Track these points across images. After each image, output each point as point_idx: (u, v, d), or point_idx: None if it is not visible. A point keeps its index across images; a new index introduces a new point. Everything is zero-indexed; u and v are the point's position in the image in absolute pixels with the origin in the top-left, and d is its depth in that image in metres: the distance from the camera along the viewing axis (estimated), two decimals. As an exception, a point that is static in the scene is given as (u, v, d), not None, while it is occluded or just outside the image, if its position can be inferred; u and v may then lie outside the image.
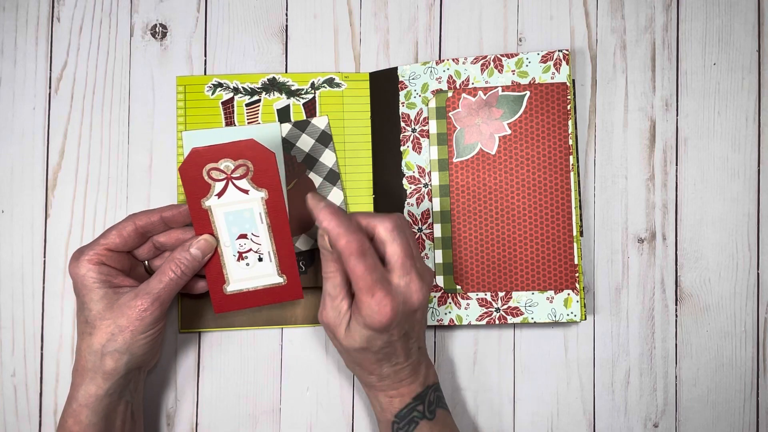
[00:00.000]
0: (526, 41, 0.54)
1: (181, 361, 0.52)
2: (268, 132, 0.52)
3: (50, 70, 0.52)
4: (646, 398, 0.53)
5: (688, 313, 0.53)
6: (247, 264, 0.47)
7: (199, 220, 0.46)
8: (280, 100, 0.52)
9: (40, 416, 0.51)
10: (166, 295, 0.44)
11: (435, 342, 0.53)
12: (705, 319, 0.53)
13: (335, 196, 0.52)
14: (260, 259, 0.47)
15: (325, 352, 0.53)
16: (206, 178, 0.44)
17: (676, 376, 0.53)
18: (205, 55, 0.53)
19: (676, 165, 0.53)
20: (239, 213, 0.46)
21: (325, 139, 0.52)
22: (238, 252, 0.47)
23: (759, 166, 0.53)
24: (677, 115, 0.54)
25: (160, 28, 0.53)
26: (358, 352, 0.44)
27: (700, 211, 0.53)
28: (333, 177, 0.52)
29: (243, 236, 0.46)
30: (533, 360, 0.53)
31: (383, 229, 0.43)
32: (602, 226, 0.53)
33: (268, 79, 0.52)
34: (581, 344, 0.53)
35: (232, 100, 0.52)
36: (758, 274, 0.53)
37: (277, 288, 0.48)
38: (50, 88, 0.52)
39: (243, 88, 0.52)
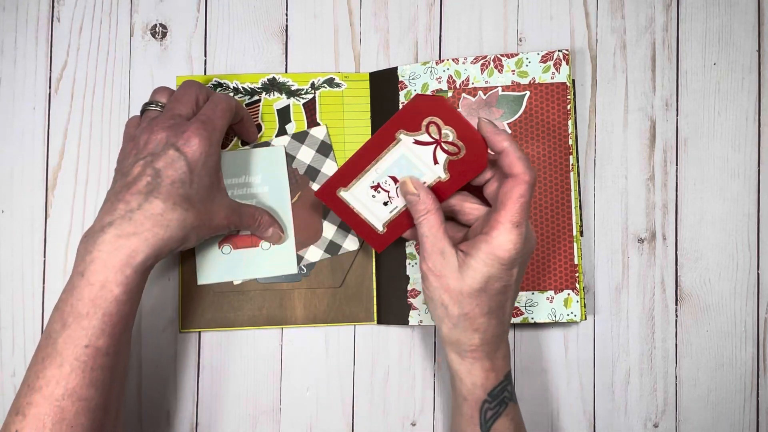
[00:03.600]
0: (526, 41, 0.54)
1: (181, 361, 0.52)
2: (274, 156, 0.52)
3: (50, 70, 0.52)
4: (646, 398, 0.53)
5: (688, 313, 0.53)
6: (373, 196, 0.46)
7: (380, 138, 0.44)
8: (280, 100, 0.52)
9: (40, 416, 0.51)
10: (240, 226, 0.48)
11: (435, 342, 0.53)
12: (705, 319, 0.53)
13: (329, 167, 0.52)
14: (385, 204, 0.46)
15: (325, 352, 0.53)
16: (423, 124, 0.43)
17: (676, 376, 0.53)
18: (205, 55, 0.53)
19: (676, 165, 0.53)
20: (413, 166, 0.44)
21: (325, 149, 0.52)
22: (377, 183, 0.46)
23: (759, 166, 0.53)
24: (677, 115, 0.54)
25: (160, 28, 0.53)
26: (471, 297, 0.42)
27: (700, 211, 0.53)
28: (325, 149, 0.52)
29: (395, 179, 0.45)
30: (533, 360, 0.53)
31: (522, 164, 0.41)
32: (602, 226, 0.53)
33: (268, 79, 0.52)
34: (581, 344, 0.53)
35: None
36: (758, 274, 0.53)
37: (372, 230, 0.47)
38: (50, 88, 0.52)
39: (243, 88, 0.52)
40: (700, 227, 0.53)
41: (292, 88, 0.52)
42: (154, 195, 0.41)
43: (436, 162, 0.44)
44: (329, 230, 0.52)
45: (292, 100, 0.52)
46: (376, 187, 0.46)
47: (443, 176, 0.44)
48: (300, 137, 0.52)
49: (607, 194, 0.53)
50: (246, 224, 0.49)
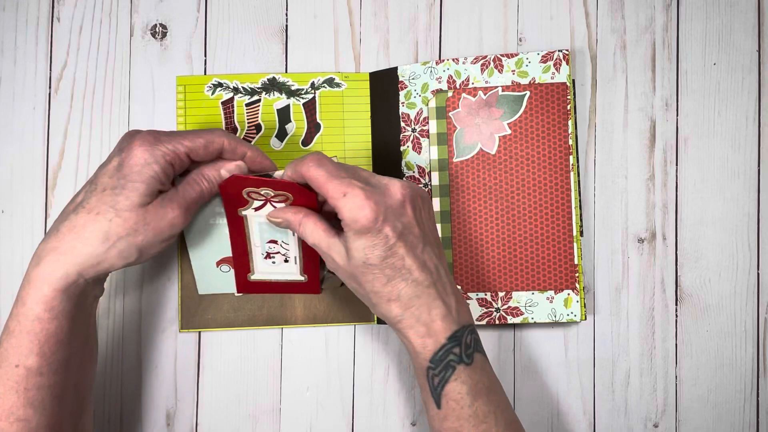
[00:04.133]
0: (526, 41, 0.54)
1: (181, 361, 0.52)
2: None
3: (50, 70, 0.52)
4: (646, 398, 0.53)
5: (688, 313, 0.53)
6: (273, 262, 0.49)
7: (234, 224, 0.47)
8: (280, 100, 0.52)
9: (40, 416, 0.51)
10: (194, 206, 0.44)
11: (435, 342, 0.53)
12: (705, 319, 0.53)
13: None
14: (286, 261, 0.49)
15: (325, 352, 0.53)
16: (245, 196, 0.45)
17: (676, 376, 0.53)
18: (205, 55, 0.53)
19: (676, 165, 0.53)
20: (274, 229, 0.48)
21: None
22: (267, 252, 0.49)
23: (759, 166, 0.53)
24: (677, 115, 0.54)
25: (160, 28, 0.53)
26: (365, 273, 0.41)
27: (700, 211, 0.53)
28: None
29: (273, 242, 0.48)
30: (533, 360, 0.53)
31: (317, 185, 0.42)
32: (602, 226, 0.53)
33: (268, 79, 0.52)
34: (581, 344, 0.53)
35: (232, 100, 0.52)
36: (758, 274, 0.53)
37: (298, 283, 0.50)
38: (50, 88, 0.52)
39: (243, 88, 0.52)
40: (700, 227, 0.53)
41: (292, 88, 0.52)
42: (82, 206, 0.40)
43: None
44: None
45: (292, 100, 0.52)
46: (268, 256, 0.49)
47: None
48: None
49: (607, 194, 0.53)
50: (198, 200, 0.44)
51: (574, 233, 0.50)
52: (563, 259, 0.50)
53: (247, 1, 0.53)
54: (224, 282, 0.51)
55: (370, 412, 0.52)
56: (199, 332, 0.52)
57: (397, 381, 0.53)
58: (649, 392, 0.53)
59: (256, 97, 0.52)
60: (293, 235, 0.48)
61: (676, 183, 0.53)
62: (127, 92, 0.53)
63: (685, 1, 0.54)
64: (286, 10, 0.54)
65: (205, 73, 0.53)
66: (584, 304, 0.51)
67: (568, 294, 0.51)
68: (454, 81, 0.52)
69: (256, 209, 0.46)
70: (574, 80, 0.53)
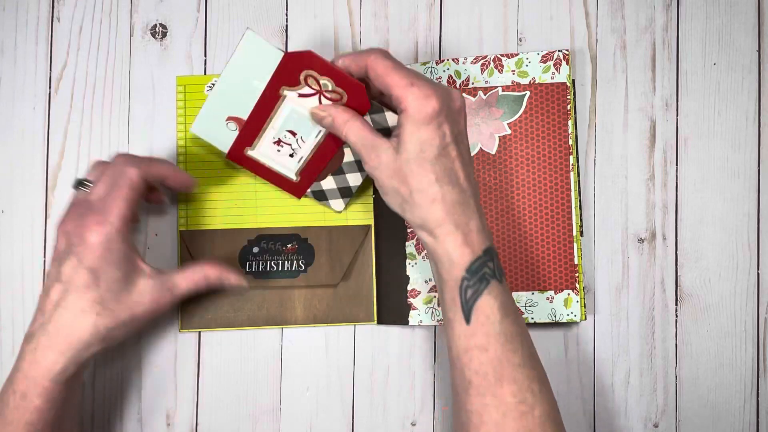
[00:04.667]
0: (526, 41, 0.54)
1: (181, 361, 0.52)
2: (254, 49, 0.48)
3: (50, 70, 0.52)
4: (646, 398, 0.53)
5: (688, 313, 0.53)
6: (278, 150, 0.49)
7: (269, 95, 0.45)
8: None
9: (40, 416, 0.51)
10: (185, 298, 0.46)
11: (435, 342, 0.53)
12: (705, 319, 0.53)
13: (355, 178, 0.50)
14: (291, 155, 0.49)
15: (325, 352, 0.53)
16: (301, 78, 0.44)
17: (676, 376, 0.53)
18: (205, 55, 0.53)
19: (676, 165, 0.53)
20: (305, 118, 0.46)
21: (359, 164, 0.50)
22: (279, 139, 0.48)
23: (759, 166, 0.53)
24: (677, 115, 0.54)
25: (160, 28, 0.53)
26: (414, 169, 0.41)
27: (700, 211, 0.53)
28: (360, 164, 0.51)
29: (292, 133, 0.48)
30: (533, 360, 0.53)
31: (363, 53, 0.42)
32: (602, 226, 0.53)
33: None
34: (581, 344, 0.53)
35: None
36: (758, 274, 0.53)
37: (286, 180, 0.50)
38: (50, 88, 0.52)
39: None
40: (700, 227, 0.53)
41: None
42: (62, 306, 0.41)
43: None
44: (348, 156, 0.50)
45: None
46: (278, 143, 0.48)
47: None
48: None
49: (607, 194, 0.53)
50: (186, 293, 0.45)
51: (574, 233, 0.50)
52: (563, 260, 0.50)
53: (247, 1, 0.53)
54: (221, 138, 0.48)
55: (370, 412, 0.52)
56: (199, 332, 0.52)
57: (397, 381, 0.53)
58: (649, 392, 0.53)
59: None
60: (316, 136, 0.47)
61: (676, 183, 0.53)
62: (127, 92, 0.53)
63: (685, 1, 0.54)
64: (286, 10, 0.54)
65: (205, 73, 0.53)
66: (584, 304, 0.51)
67: (568, 294, 0.51)
68: (454, 81, 0.52)
69: (301, 95, 0.45)
70: (574, 80, 0.53)
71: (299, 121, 0.47)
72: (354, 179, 0.51)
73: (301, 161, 0.49)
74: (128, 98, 0.53)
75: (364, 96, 0.44)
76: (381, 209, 0.52)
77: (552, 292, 0.51)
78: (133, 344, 0.52)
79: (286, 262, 0.52)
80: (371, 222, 0.53)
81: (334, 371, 0.53)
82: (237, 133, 0.47)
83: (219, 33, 0.53)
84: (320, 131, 0.47)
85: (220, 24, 0.53)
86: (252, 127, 0.47)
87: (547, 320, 0.50)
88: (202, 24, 0.53)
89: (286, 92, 0.45)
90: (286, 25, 0.53)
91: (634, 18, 0.54)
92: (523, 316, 0.51)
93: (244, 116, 0.47)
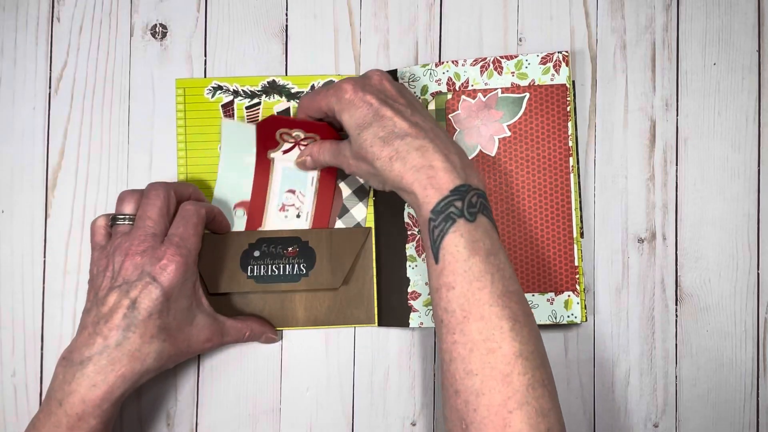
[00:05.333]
0: (526, 41, 0.54)
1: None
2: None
3: (50, 70, 0.52)
4: (646, 398, 0.53)
5: (688, 313, 0.53)
6: (285, 217, 0.52)
7: (261, 166, 0.51)
8: (280, 103, 0.52)
9: (40, 416, 0.51)
10: (230, 342, 0.49)
11: (435, 342, 0.53)
12: (705, 319, 0.53)
13: (359, 210, 0.53)
14: (298, 216, 0.52)
15: (325, 352, 0.53)
16: (278, 138, 0.50)
17: (676, 376, 0.53)
18: (205, 55, 0.53)
19: (676, 165, 0.53)
20: (296, 171, 0.52)
21: (362, 193, 0.53)
22: (283, 203, 0.52)
23: (759, 166, 0.53)
24: (677, 115, 0.54)
25: (160, 28, 0.53)
26: (364, 142, 0.43)
27: (700, 211, 0.53)
28: (362, 193, 0.53)
29: (291, 191, 0.52)
30: (533, 360, 0.53)
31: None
32: (602, 226, 0.53)
33: (268, 82, 0.52)
34: (581, 344, 0.53)
35: (232, 103, 0.52)
36: (758, 274, 0.53)
37: None
38: (50, 88, 0.52)
39: (243, 91, 0.52)
40: (700, 227, 0.53)
41: (292, 91, 0.52)
42: (132, 330, 0.42)
43: None
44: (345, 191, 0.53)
45: (292, 103, 0.52)
46: (283, 208, 0.52)
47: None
48: (340, 174, 0.52)
49: (607, 194, 0.53)
50: (231, 341, 0.48)
51: (575, 235, 0.50)
52: (563, 261, 0.50)
53: (247, 1, 0.53)
54: (235, 227, 0.52)
55: (370, 412, 0.52)
56: (199, 332, 0.52)
57: (397, 381, 0.53)
58: (649, 392, 0.53)
59: (256, 100, 0.52)
60: (311, 185, 0.52)
61: (676, 183, 0.53)
62: (127, 92, 0.53)
63: (685, 1, 0.54)
64: (286, 10, 0.54)
65: (205, 73, 0.53)
66: (585, 305, 0.51)
67: (569, 295, 0.51)
68: (453, 83, 0.51)
69: (285, 152, 0.51)
70: (574, 82, 0.53)
71: (293, 177, 0.52)
72: (359, 212, 0.52)
73: (308, 217, 0.52)
74: (128, 98, 0.53)
75: (332, 131, 0.49)
76: (381, 212, 0.52)
77: (552, 294, 0.51)
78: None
79: (287, 266, 0.51)
80: (372, 225, 0.53)
81: (334, 371, 0.53)
82: (246, 217, 0.52)
83: (219, 33, 0.53)
84: (313, 178, 0.52)
85: (220, 24, 0.53)
86: (257, 204, 0.52)
87: (548, 322, 0.50)
88: (202, 24, 0.53)
89: (272, 155, 0.51)
90: (286, 25, 0.53)
91: (634, 18, 0.54)
92: None
93: (248, 196, 0.52)
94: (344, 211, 0.52)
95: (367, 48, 0.53)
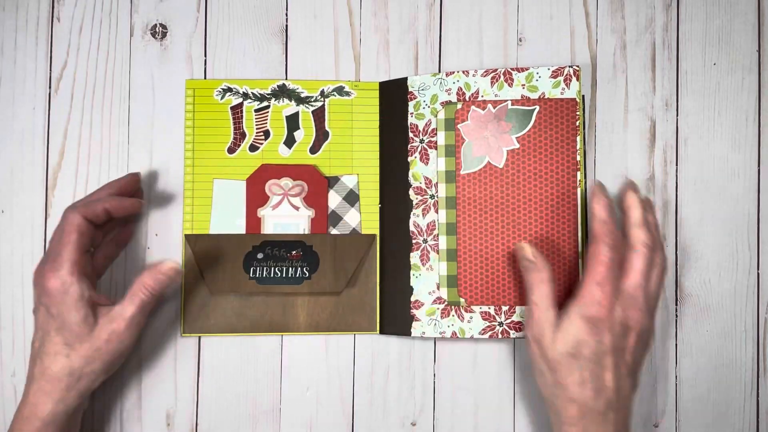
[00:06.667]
0: (526, 41, 0.54)
1: (181, 361, 0.52)
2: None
3: (50, 70, 0.52)
4: (646, 398, 0.53)
5: (688, 313, 0.53)
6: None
7: (250, 226, 0.52)
8: (289, 107, 0.52)
9: (40, 416, 0.51)
10: (140, 316, 0.46)
11: (435, 342, 0.53)
12: (705, 319, 0.53)
13: (352, 216, 0.52)
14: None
15: (326, 352, 0.53)
16: (267, 191, 0.51)
17: (676, 376, 0.53)
18: (205, 55, 0.53)
19: (676, 165, 0.53)
20: (286, 225, 0.52)
21: (352, 198, 0.52)
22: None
23: (759, 166, 0.53)
24: (677, 115, 0.54)
25: (160, 28, 0.53)
26: (563, 363, 0.43)
27: (700, 211, 0.53)
28: (352, 198, 0.52)
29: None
30: (533, 360, 0.53)
31: (642, 236, 0.45)
32: (602, 226, 0.53)
33: (277, 86, 0.52)
34: (581, 344, 0.53)
35: (241, 105, 0.52)
36: (758, 274, 0.53)
37: None
38: (50, 88, 0.52)
39: (252, 93, 0.52)
40: (700, 227, 0.53)
41: (302, 96, 0.53)
42: (43, 351, 0.44)
43: (297, 208, 0.52)
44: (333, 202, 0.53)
45: (301, 107, 0.52)
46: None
47: (311, 214, 0.52)
48: (330, 182, 0.52)
49: (607, 194, 0.53)
50: (137, 313, 0.45)
51: (579, 249, 0.50)
52: (567, 275, 0.50)
53: (247, 1, 0.53)
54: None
55: (370, 412, 0.52)
56: (200, 336, 0.52)
57: (397, 381, 0.53)
58: (649, 392, 0.53)
59: (265, 104, 0.52)
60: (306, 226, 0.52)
61: (676, 183, 0.53)
62: (127, 92, 0.53)
63: (685, 1, 0.54)
64: (286, 10, 0.54)
65: (205, 74, 0.53)
66: None
67: None
68: (463, 93, 0.51)
69: (274, 207, 0.52)
70: (584, 96, 0.53)
71: (283, 230, 0.52)
72: (353, 218, 0.52)
73: (306, 230, 0.52)
74: (128, 98, 0.53)
75: (317, 174, 0.51)
76: (386, 219, 0.52)
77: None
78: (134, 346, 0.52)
79: (290, 269, 0.51)
80: (377, 231, 0.52)
81: (334, 371, 0.53)
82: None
83: (219, 33, 0.53)
84: (303, 228, 0.52)
85: (220, 24, 0.53)
86: None
87: None
88: (202, 24, 0.53)
89: (261, 212, 0.52)
90: (286, 25, 0.53)
91: (634, 18, 0.54)
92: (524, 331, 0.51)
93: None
94: (337, 219, 0.52)
95: (367, 48, 0.53)
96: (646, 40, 0.54)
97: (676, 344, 0.53)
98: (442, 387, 0.53)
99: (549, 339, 0.44)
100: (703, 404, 0.53)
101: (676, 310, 0.53)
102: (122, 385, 0.52)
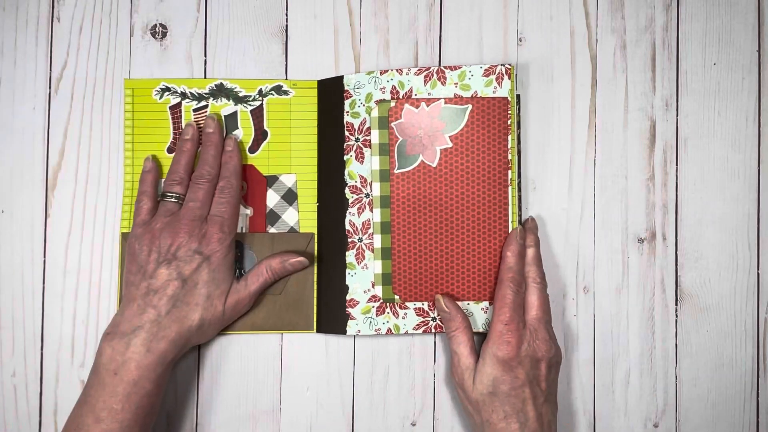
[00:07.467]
0: (526, 41, 0.54)
1: (181, 361, 0.52)
2: None
3: (50, 70, 0.52)
4: (646, 398, 0.53)
5: (688, 313, 0.53)
6: None
7: None
8: (227, 106, 0.52)
9: (40, 416, 0.51)
10: (258, 293, 0.50)
11: (435, 342, 0.53)
12: (705, 319, 0.53)
13: (290, 215, 0.52)
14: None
15: (325, 352, 0.53)
16: None
17: (676, 376, 0.53)
18: (205, 55, 0.53)
19: (676, 165, 0.53)
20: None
21: (290, 197, 0.52)
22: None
23: (759, 166, 0.53)
24: (677, 115, 0.54)
25: (160, 28, 0.53)
26: (485, 402, 0.46)
27: (700, 211, 0.53)
28: (291, 197, 0.52)
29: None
30: (533, 360, 0.53)
31: (532, 273, 0.49)
32: (602, 226, 0.53)
33: (215, 85, 0.52)
34: (581, 344, 0.53)
35: (179, 105, 0.52)
36: (758, 274, 0.53)
37: None
38: (50, 88, 0.52)
39: (190, 93, 0.52)
40: (700, 227, 0.53)
41: (240, 95, 0.52)
42: (182, 300, 0.47)
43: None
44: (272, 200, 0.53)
45: (239, 107, 0.52)
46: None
47: (249, 212, 0.52)
48: (269, 181, 0.52)
49: (607, 194, 0.53)
50: (259, 288, 0.50)
51: None
52: (497, 271, 0.51)
53: (247, 1, 0.53)
54: None
55: (370, 412, 0.52)
56: (199, 332, 0.52)
57: (397, 381, 0.53)
58: (649, 392, 0.53)
59: (203, 103, 0.52)
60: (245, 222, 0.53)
61: (676, 183, 0.53)
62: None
63: (685, 1, 0.54)
64: (286, 10, 0.54)
65: (204, 74, 0.53)
66: None
67: None
68: (397, 91, 0.51)
69: None
70: (518, 96, 0.53)
71: None
72: (291, 217, 0.52)
73: (245, 229, 0.52)
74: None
75: (256, 173, 0.51)
76: (323, 218, 0.52)
77: (486, 303, 0.51)
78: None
79: None
80: (315, 230, 0.52)
81: (334, 371, 0.53)
82: None
83: (219, 33, 0.53)
84: (242, 227, 0.52)
85: (220, 24, 0.53)
86: None
87: (482, 330, 0.51)
88: (202, 24, 0.53)
89: None
90: (286, 25, 0.53)
91: (634, 18, 0.54)
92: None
93: None
94: (275, 218, 0.52)
95: (367, 48, 0.53)
96: (646, 40, 0.54)
97: (676, 344, 0.53)
98: (442, 387, 0.53)
99: (469, 382, 0.47)
100: (703, 404, 0.53)
101: (676, 310, 0.53)
102: (122, 385, 0.52)
